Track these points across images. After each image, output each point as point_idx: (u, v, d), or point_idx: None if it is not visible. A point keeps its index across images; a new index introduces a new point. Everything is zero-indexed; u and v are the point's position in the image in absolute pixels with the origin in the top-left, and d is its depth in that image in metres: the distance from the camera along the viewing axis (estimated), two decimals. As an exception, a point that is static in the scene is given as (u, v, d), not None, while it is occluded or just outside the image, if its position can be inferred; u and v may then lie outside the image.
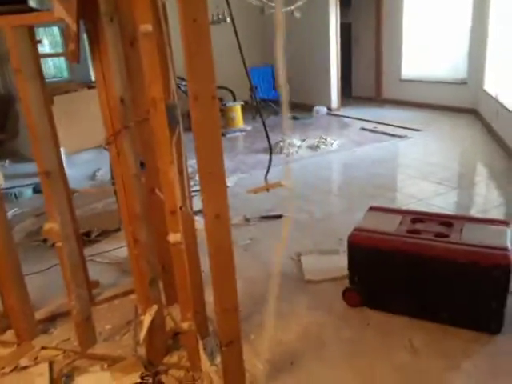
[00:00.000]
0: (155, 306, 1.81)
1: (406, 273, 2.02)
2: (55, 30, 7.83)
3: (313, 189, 4.00)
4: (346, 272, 2.22)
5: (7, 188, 4.46)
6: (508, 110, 4.67)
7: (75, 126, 6.08)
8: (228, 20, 6.28)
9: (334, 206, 3.73)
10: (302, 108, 7.53)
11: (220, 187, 1.42)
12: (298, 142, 5.46)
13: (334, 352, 1.93)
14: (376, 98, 7.99)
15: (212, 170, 1.39)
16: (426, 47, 7.22)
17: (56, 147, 1.90)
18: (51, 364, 1.94)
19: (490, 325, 1.91)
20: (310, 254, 2.74)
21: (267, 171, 2.43)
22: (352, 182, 4.21)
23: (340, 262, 2.48)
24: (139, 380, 1.77)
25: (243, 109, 6.95)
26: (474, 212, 3.33)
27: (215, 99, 1.33)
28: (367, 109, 7.61)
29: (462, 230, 2.05)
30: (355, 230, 2.15)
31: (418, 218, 2.21)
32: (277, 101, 7.55)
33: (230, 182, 4.25)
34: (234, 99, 7.05)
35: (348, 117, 7.13)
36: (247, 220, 3.38)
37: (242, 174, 4.54)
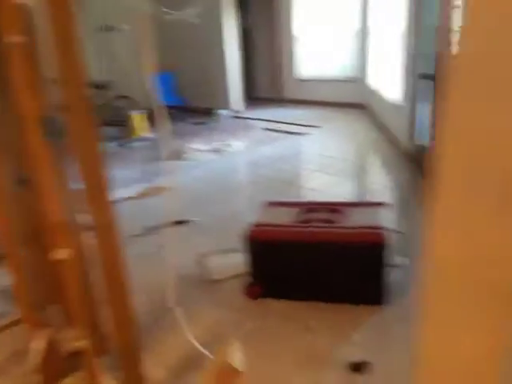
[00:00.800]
0: (46, 331, 1.73)
1: (299, 260, 2.14)
2: None
3: (217, 191, 4.06)
4: (247, 268, 2.30)
5: None
6: (387, 101, 5.13)
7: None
8: (123, 27, 6.15)
9: (239, 205, 3.82)
10: (206, 112, 7.59)
11: (104, 198, 1.40)
12: (202, 147, 5.50)
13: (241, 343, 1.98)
14: (278, 99, 8.29)
15: (94, 182, 1.37)
16: (322, 48, 7.66)
17: None
18: None
19: (374, 298, 2.09)
20: (214, 255, 2.79)
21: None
22: (257, 181, 4.34)
23: (242, 259, 2.55)
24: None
25: (149, 118, 6.83)
26: (367, 198, 3.61)
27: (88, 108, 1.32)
28: (270, 109, 7.88)
29: (346, 215, 2.21)
30: (252, 225, 2.23)
31: (311, 207, 2.35)
32: (177, 106, 7.53)
33: (133, 192, 4.16)
34: (138, 108, 6.90)
35: (252, 118, 7.31)
36: (150, 229, 3.33)
37: (147, 183, 4.47)
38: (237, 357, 1.41)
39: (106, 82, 7.24)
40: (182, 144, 5.69)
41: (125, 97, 7.16)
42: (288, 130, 6.27)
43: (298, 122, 6.61)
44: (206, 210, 3.56)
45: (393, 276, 2.18)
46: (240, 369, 1.36)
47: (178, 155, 5.28)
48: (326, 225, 2.13)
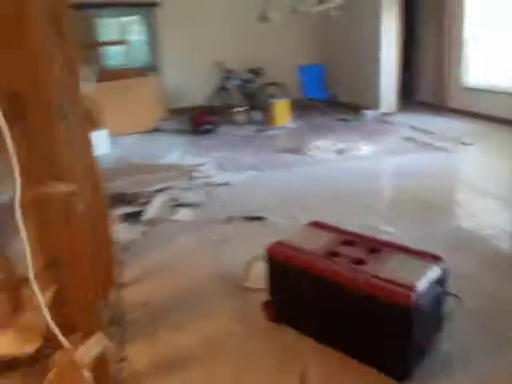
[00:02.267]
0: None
1: (312, 294, 1.91)
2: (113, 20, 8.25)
3: (316, 194, 3.87)
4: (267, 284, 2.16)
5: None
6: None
7: (121, 111, 6.47)
8: (275, 17, 6.24)
9: (330, 216, 3.56)
10: (353, 109, 7.26)
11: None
12: (326, 145, 5.30)
13: (223, 362, 1.90)
14: (437, 105, 7.42)
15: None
16: (496, 56, 6.54)
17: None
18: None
19: (394, 368, 1.74)
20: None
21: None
22: (362, 193, 3.98)
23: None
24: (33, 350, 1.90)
25: (293, 106, 6.87)
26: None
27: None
28: (425, 116, 7.09)
29: (385, 259, 1.88)
30: (277, 242, 2.08)
31: (350, 239, 2.06)
32: (326, 100, 7.36)
33: (234, 179, 4.27)
34: (283, 96, 6.99)
35: (399, 123, 6.72)
36: (230, 218, 3.38)
37: (255, 171, 4.52)
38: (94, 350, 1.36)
39: (260, 69, 7.49)
40: (309, 139, 5.58)
41: (275, 84, 7.31)
42: (430, 142, 5.58)
43: (447, 135, 5.83)
44: (291, 212, 3.42)
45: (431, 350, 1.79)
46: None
47: (297, 149, 5.20)
48: (352, 265, 1.84)
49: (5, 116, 1.49)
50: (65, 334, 1.93)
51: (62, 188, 1.45)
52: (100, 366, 1.69)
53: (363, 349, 1.81)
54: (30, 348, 1.92)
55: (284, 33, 7.93)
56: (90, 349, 1.41)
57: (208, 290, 2.46)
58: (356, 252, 1.95)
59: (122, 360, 1.89)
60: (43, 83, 1.38)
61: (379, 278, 1.73)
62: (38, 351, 1.90)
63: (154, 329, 2.12)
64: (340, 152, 5.13)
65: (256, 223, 3.29)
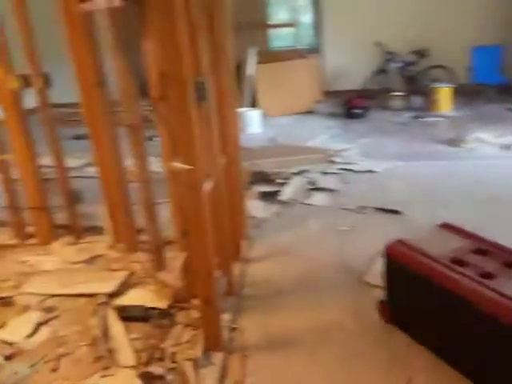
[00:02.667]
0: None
1: (429, 302, 1.77)
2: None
3: (464, 194, 3.49)
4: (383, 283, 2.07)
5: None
6: None
7: (276, 93, 6.69)
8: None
9: (471, 217, 3.15)
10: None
11: (192, 159, 1.61)
12: (489, 138, 4.69)
13: (327, 352, 1.90)
14: None
15: (186, 143, 1.59)
16: None
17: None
18: (131, 272, 2.55)
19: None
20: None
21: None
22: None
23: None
24: (165, 307, 2.18)
25: (456, 92, 6.23)
26: None
27: (187, 79, 1.51)
28: None
29: (523, 277, 1.63)
30: (398, 240, 1.96)
31: (484, 248, 1.83)
32: (498, 85, 6.46)
33: (376, 167, 4.09)
34: (448, 80, 6.37)
35: None
36: (362, 208, 3.29)
37: (399, 161, 4.27)
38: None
39: (425, 50, 6.91)
40: (470, 129, 5.01)
41: (441, 66, 6.69)
42: None
43: None
44: (433, 209, 3.16)
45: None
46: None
47: (455, 141, 4.72)
48: (478, 278, 1.64)
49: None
50: (188, 298, 2.18)
51: (187, 165, 1.60)
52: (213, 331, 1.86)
53: (479, 370, 1.62)
54: (163, 304, 2.21)
55: (455, 8, 7.13)
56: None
57: (327, 278, 2.46)
58: (487, 264, 1.73)
59: (234, 329, 2.03)
60: (184, 65, 1.52)
61: (506, 297, 1.51)
62: (168, 308, 2.18)
63: (269, 306, 2.22)
64: (506, 147, 4.50)
65: (390, 216, 3.14)
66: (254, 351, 1.92)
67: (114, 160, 2.60)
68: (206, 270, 1.75)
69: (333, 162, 4.27)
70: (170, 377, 1.75)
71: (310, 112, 6.89)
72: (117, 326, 2.08)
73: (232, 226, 2.52)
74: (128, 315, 2.14)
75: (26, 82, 2.72)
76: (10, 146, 2.87)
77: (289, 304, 2.24)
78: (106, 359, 1.88)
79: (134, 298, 2.28)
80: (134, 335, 2.03)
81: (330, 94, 7.43)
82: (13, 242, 3.04)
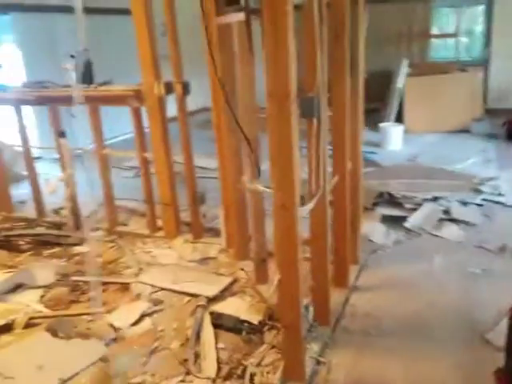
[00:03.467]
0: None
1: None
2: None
3: None
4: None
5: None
6: None
7: (425, 107, 6.17)
8: None
9: None
10: None
11: (288, 179, 1.53)
12: None
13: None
14: None
15: (284, 163, 1.52)
16: None
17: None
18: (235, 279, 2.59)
19: None
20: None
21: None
22: None
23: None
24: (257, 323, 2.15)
25: None
26: None
27: (289, 97, 1.44)
28: None
29: None
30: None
31: None
32: None
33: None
34: None
35: None
36: (502, 249, 2.81)
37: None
38: None
39: None
40: None
41: None
42: None
43: None
44: None
45: None
46: None
47: None
48: None
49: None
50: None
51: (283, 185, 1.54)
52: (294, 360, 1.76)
53: None
54: (255, 319, 2.18)
55: None
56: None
57: (442, 326, 2.15)
58: None
59: (319, 363, 1.90)
60: (282, 80, 1.47)
61: None
62: (259, 324, 2.15)
63: (365, 344, 2.03)
64: None
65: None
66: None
67: (234, 168, 2.67)
68: (291, 294, 1.67)
69: (478, 191, 3.76)
70: (243, 398, 1.71)
71: (463, 131, 6.20)
72: (208, 332, 2.12)
73: (340, 249, 2.39)
74: (221, 323, 2.17)
75: (169, 88, 2.96)
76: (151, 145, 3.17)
77: (389, 347, 2.02)
78: (191, 363, 1.93)
79: (230, 306, 2.30)
80: (221, 345, 2.05)
81: (490, 112, 6.59)
82: (145, 232, 3.34)
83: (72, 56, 3.28)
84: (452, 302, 2.33)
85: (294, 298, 1.67)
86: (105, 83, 3.32)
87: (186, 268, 2.79)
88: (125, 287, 2.59)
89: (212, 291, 2.44)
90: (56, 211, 3.73)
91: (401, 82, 6.46)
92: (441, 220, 3.26)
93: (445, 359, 1.92)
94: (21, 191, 3.91)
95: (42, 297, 2.51)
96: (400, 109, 6.45)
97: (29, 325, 2.13)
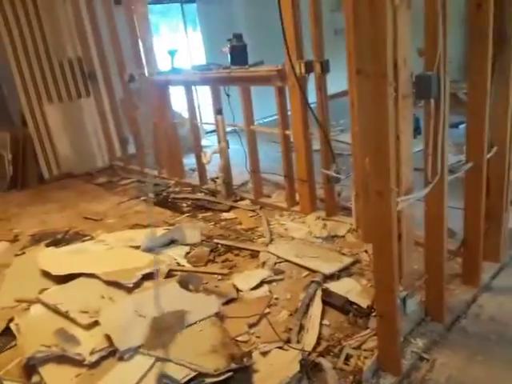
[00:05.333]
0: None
1: None
2: None
3: None
4: None
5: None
6: None
7: None
8: None
9: None
10: None
11: (384, 165, 1.47)
12: None
13: None
14: None
15: (378, 146, 1.46)
16: None
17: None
18: (356, 260, 2.59)
19: None
20: None
21: None
22: None
23: None
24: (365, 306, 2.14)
25: None
26: None
27: (385, 77, 1.37)
28: None
29: None
30: None
31: None
32: None
33: None
34: None
35: None
36: None
37: None
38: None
39: None
40: None
41: None
42: None
43: None
44: None
45: None
46: None
47: None
48: None
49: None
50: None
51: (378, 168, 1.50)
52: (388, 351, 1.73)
53: None
54: (364, 302, 2.17)
55: None
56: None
57: None
58: None
59: (422, 359, 1.81)
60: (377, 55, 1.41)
61: None
62: (368, 308, 2.12)
63: (481, 350, 1.84)
64: None
65: None
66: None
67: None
68: (385, 283, 1.62)
69: None
70: (332, 374, 1.76)
71: None
72: (316, 308, 2.19)
73: (471, 243, 2.17)
74: (330, 301, 2.22)
75: (309, 67, 3.02)
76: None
77: (508, 359, 1.79)
78: (294, 332, 2.05)
79: (344, 286, 2.33)
80: (326, 321, 2.11)
81: None
82: (284, 205, 3.54)
83: (228, 40, 3.60)
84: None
85: (388, 287, 1.62)
86: (256, 64, 3.55)
87: (312, 244, 2.88)
88: (255, 254, 2.83)
89: (330, 269, 2.49)
90: (213, 180, 4.19)
91: None
92: None
93: None
94: (194, 160, 4.48)
95: (188, 253, 2.92)
96: None
97: (169, 275, 2.54)
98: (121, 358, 1.82)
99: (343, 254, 2.69)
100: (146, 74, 4.31)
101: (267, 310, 2.24)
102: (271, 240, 3.00)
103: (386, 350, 1.73)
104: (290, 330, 2.07)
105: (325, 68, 2.98)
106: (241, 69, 3.48)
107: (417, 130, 1.87)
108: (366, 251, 2.67)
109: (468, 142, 2.07)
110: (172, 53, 4.20)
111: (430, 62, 1.66)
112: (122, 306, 2.13)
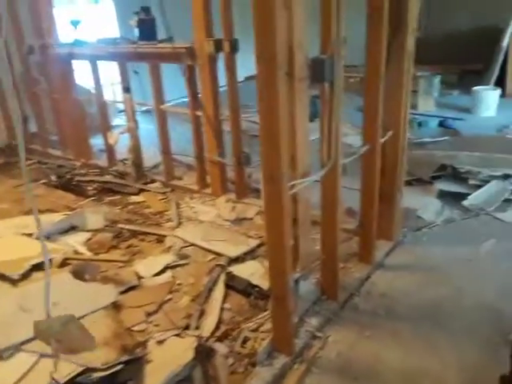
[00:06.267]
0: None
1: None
2: None
3: None
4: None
5: (414, 114, 4.86)
6: None
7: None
8: None
9: None
10: None
11: (275, 148, 1.45)
12: None
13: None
14: None
15: (269, 128, 1.45)
16: None
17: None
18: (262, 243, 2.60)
19: None
20: None
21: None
22: None
23: None
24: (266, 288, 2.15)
25: None
26: None
27: (273, 60, 1.34)
28: None
29: None
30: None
31: None
32: None
33: None
34: None
35: None
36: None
37: None
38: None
39: None
40: None
41: None
42: None
43: None
44: None
45: None
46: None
47: None
48: None
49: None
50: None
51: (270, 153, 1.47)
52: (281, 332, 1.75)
53: None
54: (265, 284, 2.17)
55: None
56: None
57: (462, 318, 1.96)
58: None
59: (315, 337, 1.86)
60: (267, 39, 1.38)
61: None
62: (268, 290, 2.13)
63: (371, 326, 1.94)
64: None
65: None
66: (323, 370, 1.73)
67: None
68: (277, 265, 1.63)
69: None
70: (221, 360, 1.75)
71: None
72: (219, 292, 2.18)
73: (366, 223, 2.26)
74: (232, 284, 2.22)
75: (218, 46, 2.93)
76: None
77: (395, 331, 1.90)
78: (194, 318, 2.01)
79: (247, 269, 2.32)
80: (228, 305, 2.10)
81: None
82: (195, 187, 3.46)
83: (136, 13, 3.40)
84: (484, 295, 2.09)
85: (281, 270, 1.63)
86: (166, 40, 3.38)
87: (220, 226, 2.86)
88: (159, 239, 2.74)
89: (235, 252, 2.48)
90: (123, 162, 3.99)
91: (506, 40, 5.64)
92: (508, 201, 2.89)
93: (451, 355, 1.76)
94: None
95: (89, 240, 2.76)
96: (503, 71, 5.68)
97: (64, 264, 2.38)
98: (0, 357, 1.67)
99: (250, 237, 2.69)
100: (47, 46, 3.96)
101: (169, 297, 2.19)
102: (179, 224, 2.93)
103: (279, 331, 1.75)
104: (190, 316, 2.03)
105: (234, 47, 2.92)
106: (148, 44, 3.31)
107: (316, 114, 1.87)
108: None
109: (364, 126, 2.13)
110: (75, 23, 3.90)
111: (324, 45, 1.66)
112: (3, 301, 1.95)
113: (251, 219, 2.94)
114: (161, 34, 3.33)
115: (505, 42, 5.63)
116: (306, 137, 1.76)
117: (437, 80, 5.78)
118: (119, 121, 5.22)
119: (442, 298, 2.08)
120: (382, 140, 2.27)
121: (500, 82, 5.58)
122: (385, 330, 1.90)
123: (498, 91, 5.02)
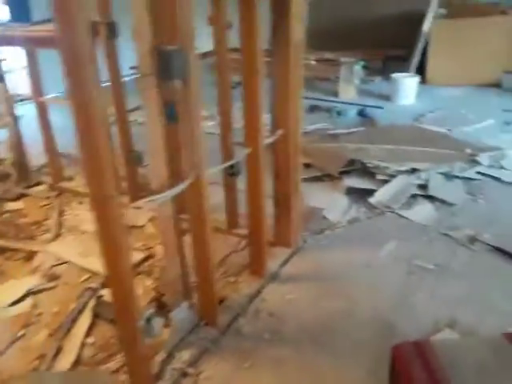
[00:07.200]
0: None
1: None
2: None
3: None
4: None
5: (332, 101, 4.72)
6: None
7: (452, 57, 5.37)
8: None
9: None
10: None
11: (97, 165, 1.16)
12: None
13: None
14: None
15: (88, 140, 1.15)
16: None
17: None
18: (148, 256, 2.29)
19: None
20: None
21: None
22: None
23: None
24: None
25: None
26: None
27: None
28: None
29: None
30: (415, 343, 1.21)
31: None
32: None
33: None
34: None
35: None
36: (472, 240, 2.33)
37: None
38: None
39: None
40: None
41: None
42: None
43: None
44: None
45: None
46: None
47: None
48: None
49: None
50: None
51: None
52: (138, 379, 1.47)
53: None
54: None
55: None
56: None
57: (354, 338, 1.77)
58: None
59: (185, 375, 1.60)
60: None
61: None
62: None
63: (250, 353, 1.69)
64: None
65: (505, 260, 2.15)
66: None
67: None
68: (121, 304, 1.34)
69: (475, 163, 3.18)
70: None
71: (493, 85, 5.39)
72: (83, 323, 1.86)
73: (254, 232, 2.02)
74: (100, 312, 1.90)
75: (93, 30, 2.55)
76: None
77: (278, 360, 1.67)
78: (48, 358, 1.69)
79: (122, 291, 2.02)
80: (91, 339, 1.79)
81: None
82: (86, 190, 3.07)
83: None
84: (378, 307, 1.92)
85: (125, 308, 1.34)
86: (43, 22, 2.94)
87: (103, 238, 2.51)
88: (29, 257, 2.36)
89: (113, 270, 2.16)
90: (1, 161, 3.51)
91: (427, 25, 5.61)
92: (415, 196, 2.77)
93: (354, 366, 1.57)
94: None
95: None
96: (423, 57, 5.66)
97: None
98: None
99: (135, 249, 2.37)
100: None
101: (22, 332, 1.84)
102: (57, 236, 2.55)
103: (135, 377, 1.47)
104: (44, 356, 1.70)
105: (113, 31, 2.54)
106: (21, 27, 2.86)
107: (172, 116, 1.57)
108: (160, 244, 2.39)
109: (245, 127, 1.87)
110: None
111: (169, 34, 1.36)
112: None
113: (142, 227, 2.62)
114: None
115: (425, 27, 5.60)
116: (159, 144, 1.47)
117: (358, 67, 5.66)
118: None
119: (334, 314, 1.88)
120: (271, 140, 2.03)
121: (421, 69, 5.57)
122: (267, 359, 1.67)
123: (417, 78, 4.98)
